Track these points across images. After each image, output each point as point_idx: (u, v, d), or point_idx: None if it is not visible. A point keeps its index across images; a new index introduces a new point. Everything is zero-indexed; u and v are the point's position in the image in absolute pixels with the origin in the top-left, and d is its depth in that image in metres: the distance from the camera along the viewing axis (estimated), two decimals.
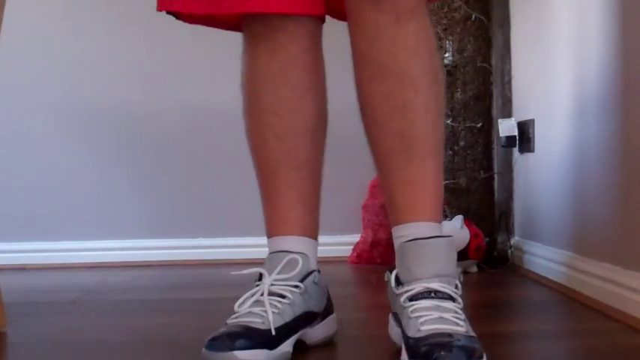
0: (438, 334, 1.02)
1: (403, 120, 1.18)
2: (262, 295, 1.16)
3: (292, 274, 1.18)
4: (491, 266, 2.07)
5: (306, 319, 1.21)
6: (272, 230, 1.26)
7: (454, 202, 2.15)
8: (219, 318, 1.51)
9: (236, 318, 1.15)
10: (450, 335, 1.01)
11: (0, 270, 2.19)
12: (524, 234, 2.09)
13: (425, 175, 1.18)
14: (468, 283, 1.90)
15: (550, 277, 1.78)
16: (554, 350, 1.22)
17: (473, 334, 1.05)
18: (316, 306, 1.23)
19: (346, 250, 2.41)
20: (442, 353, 0.97)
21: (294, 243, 1.23)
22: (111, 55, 2.48)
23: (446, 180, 2.15)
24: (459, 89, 2.16)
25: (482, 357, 0.99)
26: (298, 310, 1.18)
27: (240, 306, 1.16)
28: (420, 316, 1.06)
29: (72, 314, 1.60)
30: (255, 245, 2.46)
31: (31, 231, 2.46)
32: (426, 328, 1.04)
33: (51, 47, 2.48)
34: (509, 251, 2.12)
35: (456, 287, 1.11)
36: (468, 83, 2.15)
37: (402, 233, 1.16)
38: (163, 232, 2.48)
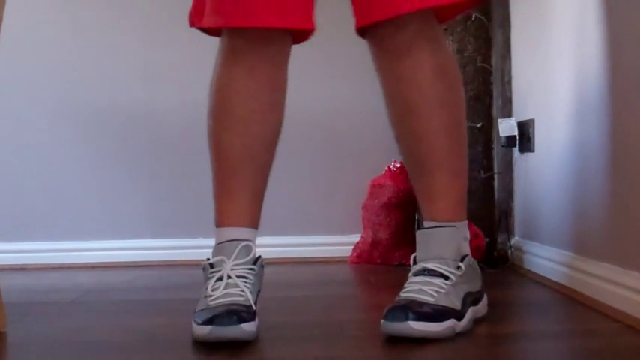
0: (402, 300, 1.25)
1: (411, 141, 1.39)
2: (229, 277, 1.31)
3: (248, 258, 1.35)
4: (491, 266, 2.07)
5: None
6: (225, 221, 1.42)
7: None
8: None
9: (215, 299, 1.28)
10: (410, 301, 1.24)
11: (0, 270, 2.19)
12: (524, 234, 2.09)
13: (434, 186, 1.38)
14: None
15: (550, 277, 1.78)
16: (554, 350, 1.22)
17: (444, 304, 1.24)
18: (260, 285, 1.38)
19: (346, 250, 2.40)
20: (387, 310, 1.22)
21: (245, 233, 1.39)
22: (111, 54, 2.48)
23: None
24: None
25: (423, 318, 1.19)
26: (255, 290, 1.34)
27: (213, 290, 1.29)
28: (404, 287, 1.29)
29: (72, 314, 1.60)
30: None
31: (31, 231, 2.46)
32: (402, 296, 1.26)
33: (51, 47, 2.48)
34: (509, 251, 2.12)
35: (458, 268, 1.31)
36: (468, 83, 2.15)
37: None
38: (163, 232, 2.47)
